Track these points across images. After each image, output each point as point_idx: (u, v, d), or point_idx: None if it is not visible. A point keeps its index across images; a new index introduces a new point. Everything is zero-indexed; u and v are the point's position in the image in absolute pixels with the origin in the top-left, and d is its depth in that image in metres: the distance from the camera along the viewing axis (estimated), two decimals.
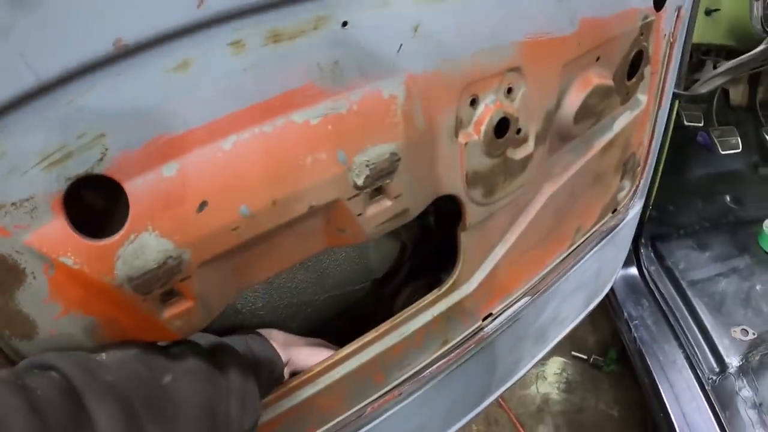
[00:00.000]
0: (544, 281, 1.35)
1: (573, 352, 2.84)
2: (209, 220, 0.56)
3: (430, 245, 1.14)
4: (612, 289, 2.24)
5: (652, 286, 2.26)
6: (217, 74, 0.52)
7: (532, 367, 1.88)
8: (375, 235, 0.75)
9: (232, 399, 0.63)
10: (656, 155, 1.70)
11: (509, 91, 0.85)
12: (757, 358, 1.95)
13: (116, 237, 0.51)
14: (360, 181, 0.65)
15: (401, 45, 0.64)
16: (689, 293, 2.21)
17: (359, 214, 0.70)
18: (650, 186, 2.15)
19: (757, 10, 1.86)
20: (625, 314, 2.22)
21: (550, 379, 2.78)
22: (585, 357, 2.81)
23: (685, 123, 2.44)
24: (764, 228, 2.49)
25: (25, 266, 0.50)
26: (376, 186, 0.69)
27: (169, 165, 0.52)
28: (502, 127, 0.86)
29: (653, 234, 2.45)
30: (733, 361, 1.96)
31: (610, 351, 2.74)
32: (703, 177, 2.88)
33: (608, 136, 1.30)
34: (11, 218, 0.48)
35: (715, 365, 1.98)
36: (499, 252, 1.11)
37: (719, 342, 2.03)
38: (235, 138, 0.55)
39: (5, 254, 0.49)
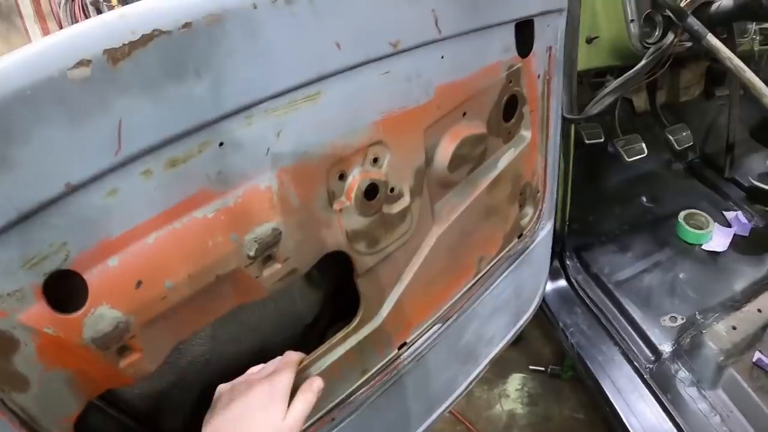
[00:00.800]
0: (454, 308, 1.57)
1: (530, 366, 3.11)
2: (144, 293, 0.82)
3: (349, 289, 1.32)
4: (546, 303, 2.51)
5: (582, 294, 2.52)
6: (136, 194, 0.78)
7: (491, 386, 2.12)
8: (275, 290, 1.00)
9: None
10: (556, 178, 1.93)
11: (375, 160, 1.10)
12: (687, 340, 2.23)
13: (81, 311, 0.77)
14: (251, 253, 0.91)
15: (268, 149, 0.90)
16: (617, 294, 2.48)
17: (257, 277, 0.95)
18: (562, 204, 2.45)
19: (634, 29, 2.14)
20: (561, 324, 2.47)
21: (513, 396, 3.02)
22: (543, 369, 3.07)
23: (586, 141, 2.69)
24: (679, 220, 2.81)
25: (19, 337, 0.75)
26: (265, 255, 0.94)
27: (112, 258, 0.79)
28: (373, 191, 1.11)
29: (577, 245, 2.72)
30: (666, 348, 2.23)
31: (566, 359, 2.97)
32: (618, 184, 3.21)
33: (493, 174, 1.52)
34: (7, 304, 0.73)
35: (650, 354, 2.25)
36: (399, 289, 1.34)
37: (651, 332, 2.30)
38: (155, 234, 0.81)
39: (4, 329, 0.74)
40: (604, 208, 3.04)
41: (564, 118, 2.11)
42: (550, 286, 2.56)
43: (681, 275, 2.60)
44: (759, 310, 2.37)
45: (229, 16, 0.81)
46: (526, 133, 1.64)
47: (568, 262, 2.64)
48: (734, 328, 2.25)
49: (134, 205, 0.80)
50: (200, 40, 0.79)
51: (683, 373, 2.14)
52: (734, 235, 2.90)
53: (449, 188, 1.42)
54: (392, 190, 1.18)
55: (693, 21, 2.06)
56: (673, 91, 3.31)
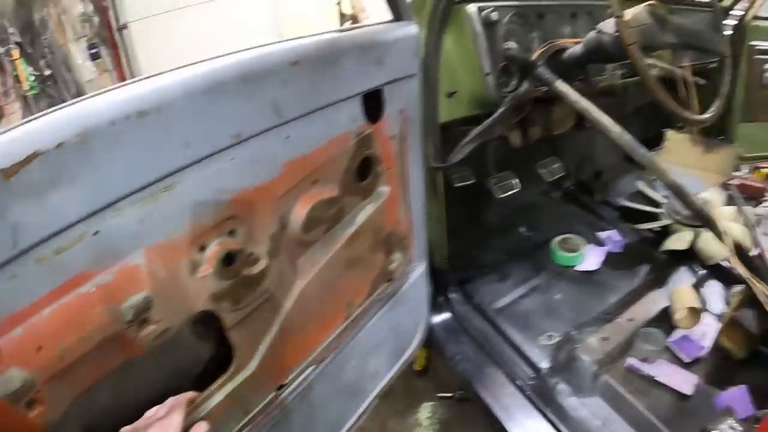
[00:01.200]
0: (328, 350, 1.82)
1: (438, 394, 3.30)
2: (45, 356, 1.06)
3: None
4: (435, 335, 2.75)
5: (466, 324, 2.75)
6: (32, 277, 1.02)
7: (404, 417, 2.36)
8: (154, 347, 1.23)
9: None
10: (423, 223, 2.20)
11: (231, 231, 1.35)
12: (563, 355, 2.50)
13: None
14: (128, 318, 1.16)
15: (135, 232, 1.15)
16: (497, 320, 2.74)
17: (135, 337, 1.19)
18: (441, 243, 2.71)
19: (491, 81, 2.39)
20: (448, 353, 2.68)
21: (425, 424, 3.22)
22: (450, 395, 3.25)
23: (456, 185, 2.90)
24: (552, 245, 3.17)
25: None
26: (141, 319, 1.19)
27: (18, 328, 1.02)
28: (231, 258, 1.35)
29: (461, 279, 2.97)
30: (545, 364, 2.50)
31: None
32: (499, 217, 3.50)
33: (352, 229, 1.78)
34: None
35: (530, 372, 2.50)
36: (269, 338, 1.56)
37: (530, 352, 2.56)
38: (49, 308, 1.06)
39: None
40: (485, 242, 3.32)
41: (431, 167, 2.39)
42: (438, 318, 2.81)
43: (557, 296, 2.90)
44: (630, 320, 2.69)
45: (93, 133, 1.07)
46: (384, 189, 1.89)
47: (452, 296, 2.89)
48: (606, 339, 2.55)
49: (31, 285, 1.04)
50: (72, 154, 1.05)
51: (562, 386, 2.40)
52: (608, 253, 3.24)
53: (308, 246, 1.66)
54: (250, 254, 1.42)
55: (542, 70, 2.35)
56: (547, 126, 3.54)
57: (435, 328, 2.78)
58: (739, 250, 2.41)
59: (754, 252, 2.71)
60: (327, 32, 1.62)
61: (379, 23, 1.87)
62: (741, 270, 2.28)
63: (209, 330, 1.50)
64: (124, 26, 7.67)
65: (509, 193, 3.16)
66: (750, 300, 2.43)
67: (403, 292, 2.20)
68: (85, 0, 7.20)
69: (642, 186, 3.78)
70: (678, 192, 2.32)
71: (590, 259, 3.20)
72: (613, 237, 3.38)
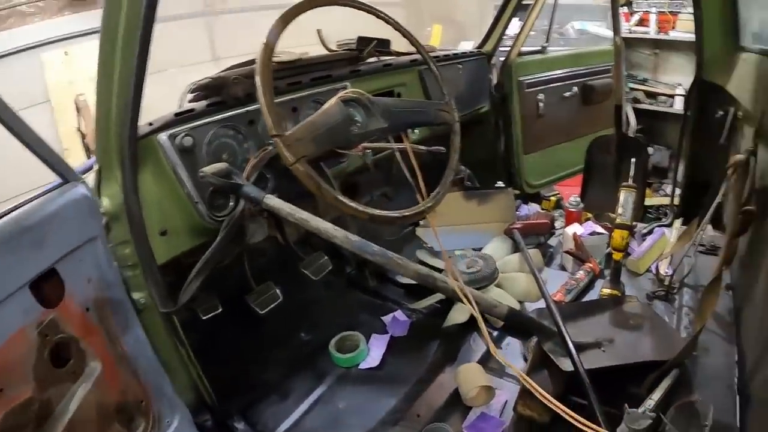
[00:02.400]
0: None
1: None
2: None
3: None
4: None
5: None
6: None
7: None
8: None
9: None
10: (164, 374, 2.43)
11: None
12: None
13: None
14: None
15: None
16: None
17: None
18: (198, 383, 2.87)
19: (202, 209, 2.61)
20: None
21: None
22: None
23: (203, 317, 2.99)
24: (330, 348, 3.35)
25: None
26: None
27: None
28: None
29: (243, 405, 3.07)
30: None
31: None
32: (276, 327, 3.61)
33: (68, 417, 1.86)
34: None
35: None
36: None
37: None
38: None
39: None
40: (262, 359, 3.42)
41: (162, 313, 2.54)
42: None
43: (341, 405, 3.01)
44: (418, 415, 2.86)
45: None
46: (95, 364, 2.04)
47: (237, 425, 2.95)
48: None
49: None
50: None
51: None
52: (392, 339, 3.44)
53: None
54: None
55: (249, 189, 2.59)
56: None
57: None
58: (511, 314, 2.81)
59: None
60: None
61: (43, 193, 2.03)
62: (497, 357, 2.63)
63: None
64: None
65: (271, 306, 3.26)
66: (541, 359, 2.69)
67: None
68: None
69: (422, 255, 4.11)
70: (423, 279, 2.66)
71: (374, 352, 3.35)
72: (398, 317, 3.58)
